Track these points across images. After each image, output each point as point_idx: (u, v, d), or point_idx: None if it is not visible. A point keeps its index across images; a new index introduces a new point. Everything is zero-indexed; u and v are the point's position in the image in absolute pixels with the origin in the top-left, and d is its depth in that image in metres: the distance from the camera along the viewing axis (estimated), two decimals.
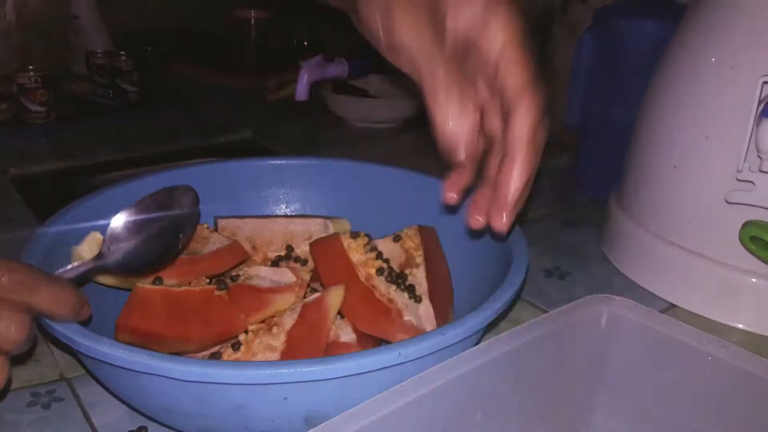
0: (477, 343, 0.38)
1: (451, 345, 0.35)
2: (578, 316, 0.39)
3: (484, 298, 0.39)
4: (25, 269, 0.35)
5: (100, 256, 0.42)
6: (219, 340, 0.43)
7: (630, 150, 0.66)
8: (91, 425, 0.43)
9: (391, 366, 0.34)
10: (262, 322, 0.44)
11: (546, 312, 0.38)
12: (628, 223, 0.64)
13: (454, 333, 0.35)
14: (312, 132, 1.04)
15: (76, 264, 0.41)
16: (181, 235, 0.46)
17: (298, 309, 0.44)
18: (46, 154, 0.92)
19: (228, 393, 0.33)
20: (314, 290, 0.49)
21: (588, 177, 0.82)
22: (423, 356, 0.35)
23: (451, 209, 0.53)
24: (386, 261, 0.50)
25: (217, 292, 0.44)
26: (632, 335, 0.39)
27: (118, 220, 0.43)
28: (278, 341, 0.42)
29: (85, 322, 0.38)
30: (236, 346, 0.43)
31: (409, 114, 1.01)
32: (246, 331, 0.43)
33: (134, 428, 0.43)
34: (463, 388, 0.34)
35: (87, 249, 0.45)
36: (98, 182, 0.80)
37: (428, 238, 0.52)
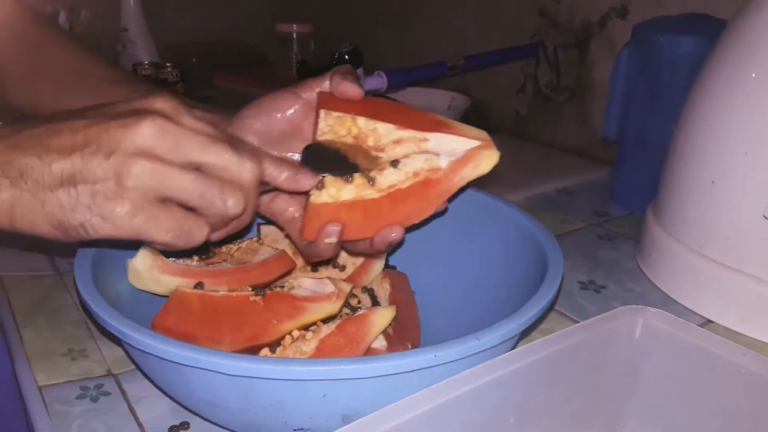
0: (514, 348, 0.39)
1: (485, 350, 0.36)
2: (613, 326, 0.40)
3: (518, 306, 0.40)
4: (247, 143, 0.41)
5: None
6: (250, 345, 0.45)
7: (667, 164, 0.66)
8: (136, 419, 0.45)
9: (427, 368, 0.35)
10: (305, 329, 0.45)
11: None
12: (665, 237, 0.64)
13: (490, 338, 0.36)
14: None
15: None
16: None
17: (338, 321, 0.45)
18: None
19: (270, 388, 0.35)
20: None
21: (624, 191, 0.82)
22: (458, 359, 0.35)
23: (486, 216, 0.54)
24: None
25: (252, 298, 0.45)
26: (666, 347, 0.40)
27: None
28: (309, 347, 0.43)
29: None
30: (273, 348, 0.44)
31: None
32: (289, 335, 0.44)
33: (177, 423, 0.44)
34: (496, 392, 0.34)
35: (141, 261, 0.47)
36: None
37: (399, 282, 0.54)
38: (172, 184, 0.37)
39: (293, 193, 0.46)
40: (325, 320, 0.49)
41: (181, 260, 0.50)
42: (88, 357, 0.51)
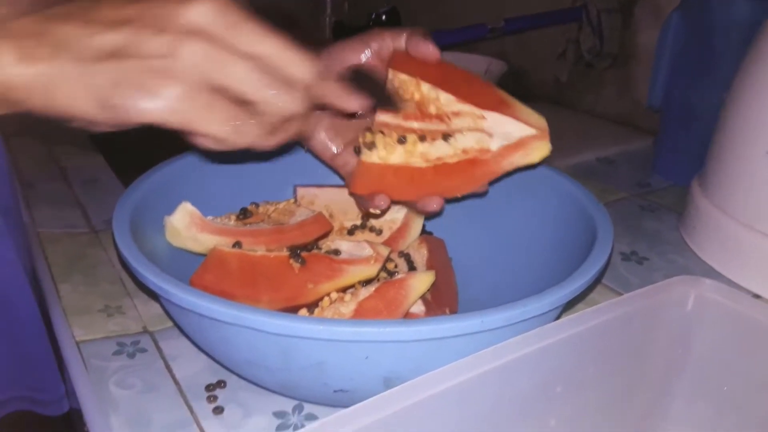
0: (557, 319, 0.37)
1: (532, 318, 0.35)
2: (664, 297, 0.38)
3: (562, 277, 0.39)
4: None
5: None
6: (287, 306, 0.44)
7: (717, 134, 0.64)
8: (173, 376, 0.45)
9: (472, 333, 0.34)
10: (342, 291, 0.45)
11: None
12: (712, 210, 0.62)
13: (538, 305, 0.35)
14: None
15: None
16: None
17: (377, 284, 0.44)
18: None
19: (311, 348, 0.34)
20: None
21: (668, 162, 0.80)
22: (504, 326, 0.34)
23: (529, 182, 0.53)
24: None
25: (291, 261, 0.45)
26: (720, 319, 0.38)
27: None
28: (347, 309, 0.43)
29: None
30: (311, 310, 0.44)
31: None
32: (327, 297, 0.43)
33: (213, 381, 0.44)
34: (544, 361, 0.33)
35: (179, 219, 0.46)
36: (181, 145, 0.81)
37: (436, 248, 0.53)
38: (229, 71, 0.34)
39: (340, 113, 0.43)
40: (363, 283, 0.49)
41: (219, 219, 0.49)
42: (125, 314, 0.51)
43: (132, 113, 0.33)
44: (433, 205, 0.47)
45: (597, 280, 0.41)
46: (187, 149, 0.52)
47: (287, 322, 0.32)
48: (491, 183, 0.47)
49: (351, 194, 0.49)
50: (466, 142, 0.46)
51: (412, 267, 0.52)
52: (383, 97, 0.46)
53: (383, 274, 0.50)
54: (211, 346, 0.39)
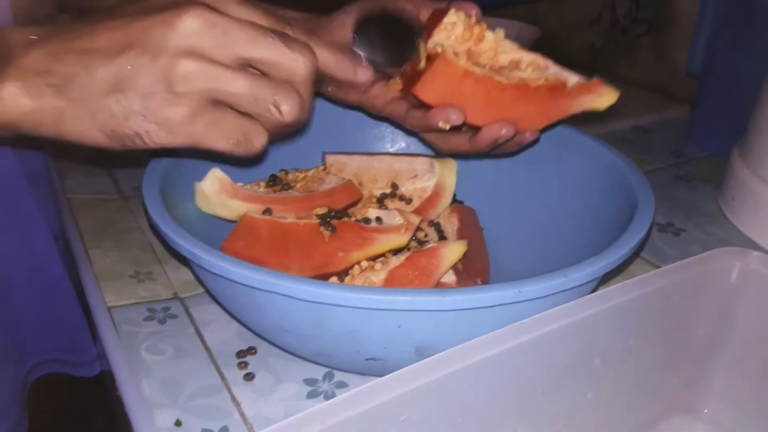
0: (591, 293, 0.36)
1: (570, 289, 0.34)
2: (707, 269, 0.37)
3: (600, 248, 0.37)
4: (301, 31, 0.37)
5: None
6: (317, 273, 0.44)
7: (759, 102, 0.61)
8: (203, 342, 0.45)
9: (509, 303, 0.33)
10: (372, 260, 0.44)
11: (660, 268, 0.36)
12: (753, 180, 0.60)
13: (578, 275, 0.34)
14: None
15: None
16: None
17: (408, 253, 0.44)
18: None
19: (344, 316, 0.33)
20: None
21: (706, 130, 0.77)
22: (542, 297, 0.33)
23: (564, 149, 0.51)
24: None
25: (321, 228, 0.44)
26: (766, 292, 0.37)
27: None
28: (378, 278, 0.42)
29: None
30: (342, 278, 0.43)
31: None
32: (357, 265, 0.43)
33: (244, 348, 0.44)
34: (583, 333, 0.33)
35: (209, 185, 0.46)
36: None
37: (467, 217, 0.52)
38: (224, 88, 0.34)
39: (349, 85, 0.42)
40: (394, 252, 0.48)
41: (249, 186, 0.49)
42: (155, 280, 0.51)
43: (142, 141, 0.35)
44: (503, 130, 0.42)
45: (636, 253, 0.39)
46: None
47: (320, 289, 0.32)
48: (543, 130, 0.45)
49: (415, 100, 0.44)
50: (543, 75, 0.44)
51: (442, 236, 0.51)
52: (410, 44, 0.43)
53: (414, 244, 0.49)
54: (243, 312, 0.39)
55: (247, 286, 0.33)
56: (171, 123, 0.34)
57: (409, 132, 0.59)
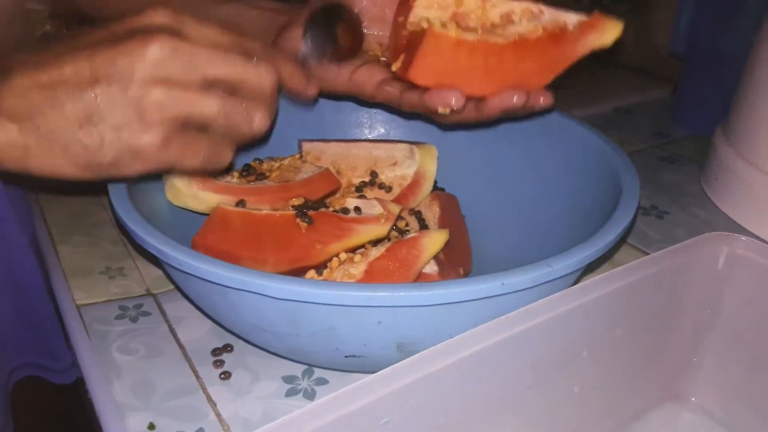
0: (576, 284, 0.35)
1: (556, 278, 0.33)
2: (694, 255, 0.36)
3: (587, 233, 0.36)
4: (260, 44, 0.38)
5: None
6: (294, 267, 0.42)
7: (742, 81, 0.60)
8: (177, 340, 0.43)
9: (492, 296, 0.32)
10: (352, 252, 0.43)
11: (645, 253, 0.35)
12: (736, 160, 0.59)
13: (564, 264, 0.32)
14: None
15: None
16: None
17: (388, 243, 0.42)
18: None
19: (321, 313, 0.32)
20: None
21: (689, 110, 0.76)
22: (526, 288, 0.32)
23: (546, 132, 0.50)
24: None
25: (297, 220, 0.43)
26: (754, 277, 0.36)
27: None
28: (357, 270, 0.41)
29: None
30: (320, 271, 0.42)
31: None
32: (336, 258, 0.41)
33: (219, 345, 0.43)
34: (570, 325, 0.31)
35: (180, 176, 0.44)
36: None
37: (449, 204, 0.51)
38: (196, 111, 0.34)
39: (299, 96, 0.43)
40: (373, 243, 0.46)
41: (221, 176, 0.47)
42: (127, 276, 0.49)
43: (118, 171, 0.35)
44: (514, 97, 0.40)
45: (622, 239, 0.38)
46: None
47: (295, 286, 0.30)
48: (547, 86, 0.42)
49: (408, 84, 0.42)
50: (541, 23, 0.41)
51: (423, 225, 0.50)
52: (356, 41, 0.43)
53: (394, 233, 0.48)
54: (216, 311, 0.38)
55: (218, 284, 0.32)
56: (145, 152, 0.34)
57: (390, 117, 0.58)
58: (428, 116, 0.45)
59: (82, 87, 0.33)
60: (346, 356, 0.35)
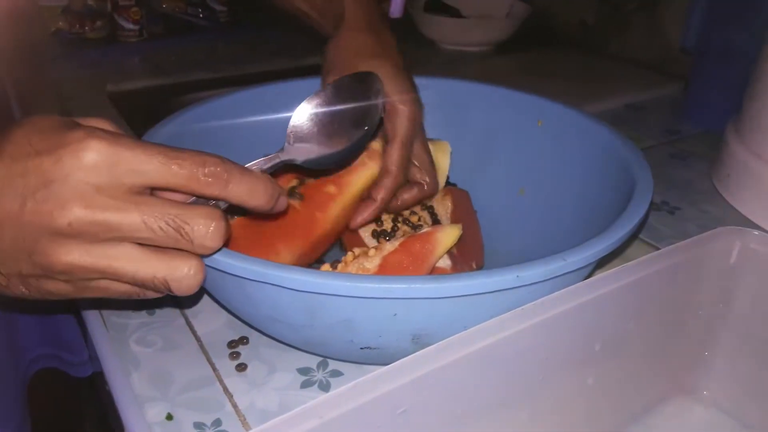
0: (587, 278, 0.36)
1: (570, 272, 0.33)
2: (707, 249, 0.36)
3: (599, 228, 0.37)
4: (217, 161, 0.31)
5: (286, 151, 0.39)
6: (309, 245, 0.43)
7: (754, 77, 0.60)
8: (194, 333, 0.44)
9: (507, 289, 0.32)
10: (366, 247, 0.43)
11: (657, 248, 0.36)
12: (747, 156, 0.59)
13: (578, 258, 0.33)
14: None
15: (266, 157, 0.38)
16: (366, 128, 0.41)
17: (402, 238, 0.43)
18: (140, 72, 0.93)
19: (338, 305, 0.32)
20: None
21: (700, 107, 0.76)
22: (541, 281, 0.32)
23: (559, 128, 0.50)
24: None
25: (290, 201, 0.43)
26: (766, 272, 0.36)
27: (301, 114, 0.40)
28: (372, 264, 0.41)
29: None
30: (335, 265, 0.42)
31: (503, 37, 0.96)
32: (350, 252, 0.42)
33: (235, 338, 0.43)
34: (583, 318, 0.32)
35: None
36: (190, 100, 0.80)
37: (461, 200, 0.51)
38: (116, 267, 0.31)
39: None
40: (387, 238, 0.47)
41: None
42: None
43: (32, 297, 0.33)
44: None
45: (634, 234, 0.38)
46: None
47: (313, 278, 0.31)
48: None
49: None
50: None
51: (436, 220, 0.50)
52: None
53: (407, 228, 0.48)
54: (233, 303, 0.38)
55: (236, 276, 0.32)
56: (56, 296, 0.33)
57: None
58: None
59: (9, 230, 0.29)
60: (361, 348, 0.36)
